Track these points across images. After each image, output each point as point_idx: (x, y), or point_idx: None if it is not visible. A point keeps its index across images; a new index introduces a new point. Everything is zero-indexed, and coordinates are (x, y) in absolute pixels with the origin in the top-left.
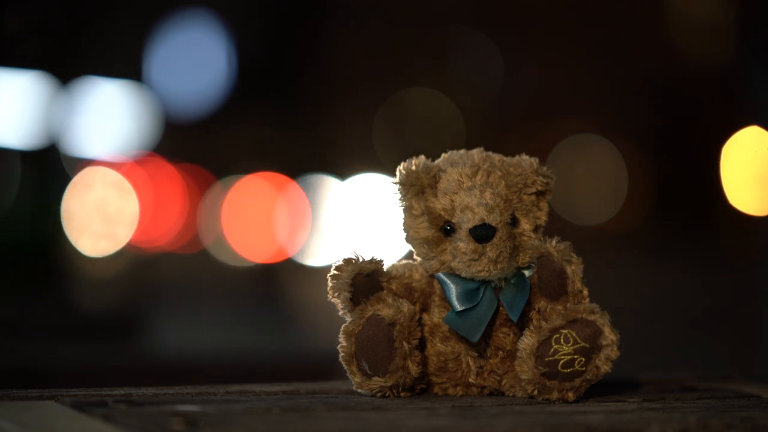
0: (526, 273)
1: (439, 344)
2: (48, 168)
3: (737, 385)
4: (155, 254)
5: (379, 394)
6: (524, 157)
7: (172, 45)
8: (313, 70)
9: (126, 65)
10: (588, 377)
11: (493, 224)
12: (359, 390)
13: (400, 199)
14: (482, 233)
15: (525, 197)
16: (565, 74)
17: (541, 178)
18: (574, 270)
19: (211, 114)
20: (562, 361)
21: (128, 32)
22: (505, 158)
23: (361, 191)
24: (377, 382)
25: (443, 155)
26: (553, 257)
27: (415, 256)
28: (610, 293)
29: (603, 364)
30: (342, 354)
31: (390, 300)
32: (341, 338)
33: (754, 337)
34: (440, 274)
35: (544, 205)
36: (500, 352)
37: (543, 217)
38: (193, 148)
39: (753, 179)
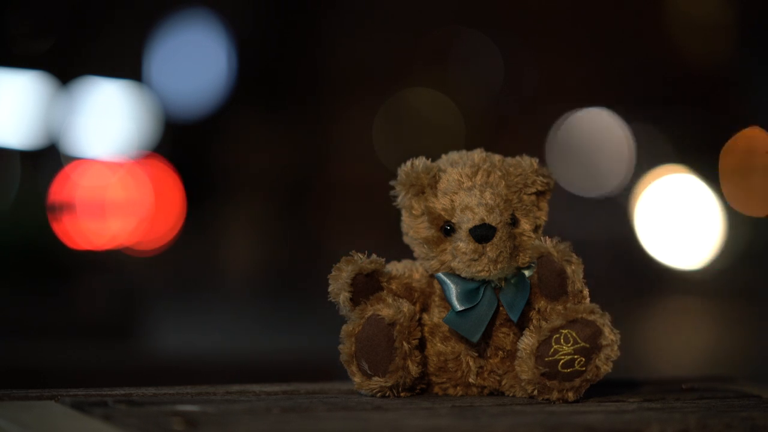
0: (526, 273)
1: (439, 344)
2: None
3: (737, 385)
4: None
5: (379, 394)
6: (524, 157)
7: (172, 45)
8: (313, 70)
9: (126, 65)
10: (588, 377)
11: (493, 224)
12: (359, 390)
13: (399, 199)
14: (482, 233)
15: (525, 197)
16: (565, 74)
17: (541, 178)
18: (574, 270)
19: (211, 114)
20: (562, 361)
21: (128, 32)
22: (505, 158)
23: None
24: (377, 382)
25: (443, 155)
26: (553, 257)
27: (414, 256)
28: (610, 293)
29: (603, 364)
30: (342, 354)
31: (390, 300)
32: (341, 338)
33: (755, 337)
34: (440, 274)
35: (544, 205)
36: (500, 352)
37: (543, 217)
38: (192, 147)
39: (753, 180)
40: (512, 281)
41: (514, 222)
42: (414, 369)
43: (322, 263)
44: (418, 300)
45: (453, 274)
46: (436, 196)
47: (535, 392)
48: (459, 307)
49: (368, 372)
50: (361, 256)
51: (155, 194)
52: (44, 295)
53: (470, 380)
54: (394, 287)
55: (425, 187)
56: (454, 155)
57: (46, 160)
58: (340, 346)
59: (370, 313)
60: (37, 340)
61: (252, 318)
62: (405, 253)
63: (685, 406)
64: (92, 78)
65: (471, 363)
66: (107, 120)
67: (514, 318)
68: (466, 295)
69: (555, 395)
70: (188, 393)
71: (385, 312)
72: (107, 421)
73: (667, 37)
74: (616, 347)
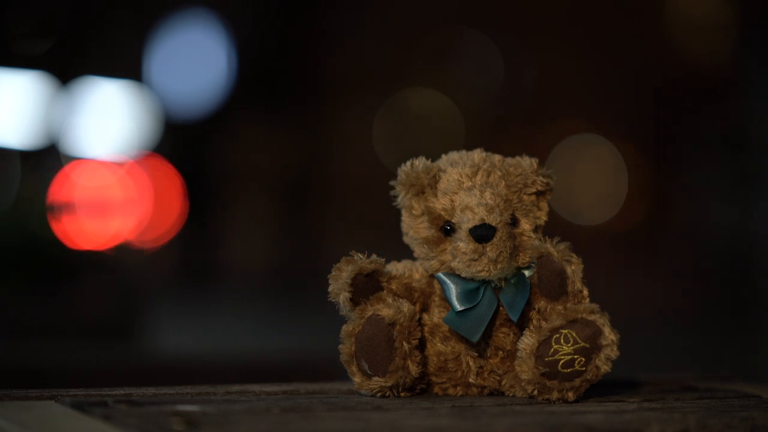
0: (526, 273)
1: (439, 344)
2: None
3: (737, 385)
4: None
5: (379, 394)
6: (524, 157)
7: (172, 45)
8: (313, 70)
9: (126, 65)
10: (588, 377)
11: (493, 224)
12: (359, 390)
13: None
14: (482, 233)
15: (525, 197)
16: (565, 74)
17: (541, 178)
18: (574, 270)
19: (211, 114)
20: (562, 361)
21: (128, 32)
22: (505, 158)
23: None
24: (377, 382)
25: (443, 155)
26: (553, 257)
27: (414, 256)
28: (610, 293)
29: (603, 364)
30: (342, 354)
31: (390, 300)
32: (341, 338)
33: (754, 337)
34: (440, 274)
35: (544, 205)
36: (500, 352)
37: (543, 217)
38: (192, 147)
39: None
40: (512, 281)
41: (514, 222)
42: (414, 369)
43: (322, 263)
44: (418, 300)
45: (453, 274)
46: (436, 196)
47: (535, 392)
48: (459, 307)
49: (368, 372)
50: (361, 256)
51: (155, 194)
52: (44, 295)
53: (470, 380)
54: (394, 287)
55: (425, 187)
56: (454, 155)
57: (46, 160)
58: (340, 346)
59: (370, 313)
60: (37, 340)
61: (252, 318)
62: (405, 253)
63: (685, 406)
64: (92, 78)
65: (471, 363)
66: (107, 120)
67: (514, 318)
68: (466, 295)
69: (555, 395)
70: (188, 393)
71: (385, 312)
72: (107, 421)
73: (667, 37)
74: (616, 347)
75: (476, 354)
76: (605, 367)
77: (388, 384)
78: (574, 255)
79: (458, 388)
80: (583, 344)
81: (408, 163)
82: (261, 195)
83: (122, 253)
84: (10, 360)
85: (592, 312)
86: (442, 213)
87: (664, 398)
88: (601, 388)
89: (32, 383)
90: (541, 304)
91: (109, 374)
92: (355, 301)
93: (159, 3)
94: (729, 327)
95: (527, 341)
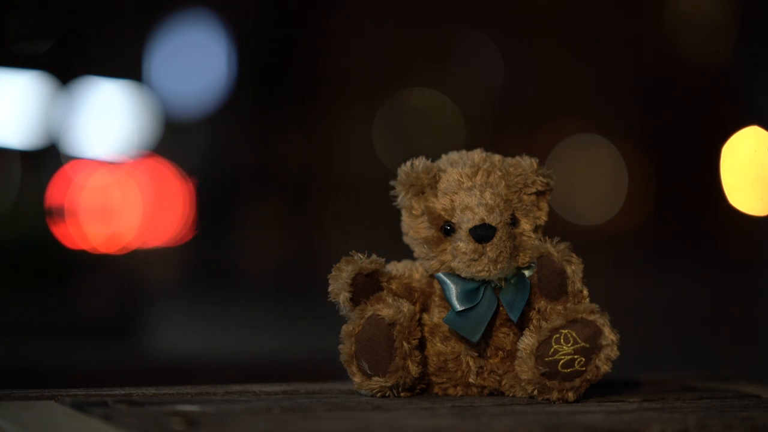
0: (526, 273)
1: (439, 344)
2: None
3: (737, 385)
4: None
5: (379, 394)
6: (524, 157)
7: (172, 45)
8: (314, 70)
9: (126, 65)
10: (588, 377)
11: (493, 224)
12: (359, 390)
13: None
14: (482, 233)
15: (525, 197)
16: (565, 74)
17: (541, 178)
18: (574, 270)
19: (211, 114)
20: (562, 361)
21: (128, 32)
22: (505, 158)
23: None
24: (377, 382)
25: (443, 155)
26: (553, 257)
27: (414, 256)
28: (610, 294)
29: (603, 364)
30: (342, 354)
31: (390, 300)
32: (341, 338)
33: (754, 337)
34: (440, 274)
35: (544, 205)
36: (500, 352)
37: (543, 217)
38: (192, 148)
39: (753, 179)
40: (512, 281)
41: (514, 222)
42: (414, 369)
43: (322, 263)
44: (418, 300)
45: (453, 274)
46: (436, 196)
47: (535, 392)
48: (459, 307)
49: (368, 372)
50: (361, 256)
51: (155, 195)
52: (44, 295)
53: (470, 380)
54: (394, 287)
55: (425, 187)
56: (454, 155)
57: (46, 160)
58: (340, 346)
59: (370, 313)
60: (37, 340)
61: (252, 318)
62: (405, 253)
63: (685, 406)
64: (92, 78)
65: (471, 363)
66: (107, 120)
67: (514, 318)
68: (466, 295)
69: (555, 395)
70: (188, 393)
71: (385, 312)
72: (107, 421)
73: (667, 37)
74: (616, 347)
75: (476, 354)
76: (605, 367)
77: (388, 384)
78: (574, 255)
79: (458, 388)
80: (583, 344)
81: (408, 163)
82: (260, 195)
83: (122, 253)
84: (10, 360)
85: (592, 312)
86: (442, 213)
87: (664, 398)
88: (601, 388)
89: (32, 383)
90: (541, 304)
91: (109, 374)
92: (355, 301)
93: (159, 3)
94: (729, 327)
95: (527, 341)
